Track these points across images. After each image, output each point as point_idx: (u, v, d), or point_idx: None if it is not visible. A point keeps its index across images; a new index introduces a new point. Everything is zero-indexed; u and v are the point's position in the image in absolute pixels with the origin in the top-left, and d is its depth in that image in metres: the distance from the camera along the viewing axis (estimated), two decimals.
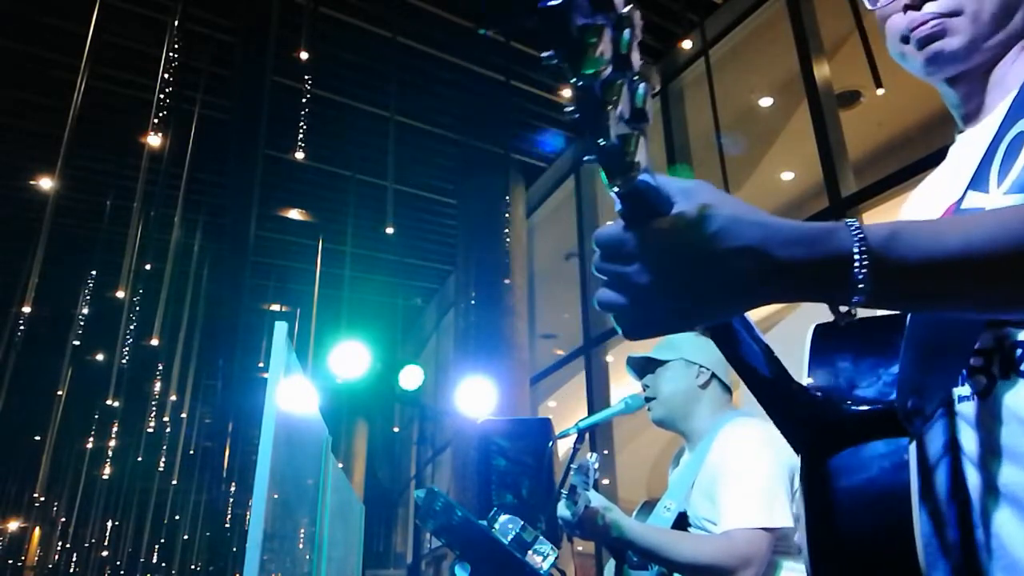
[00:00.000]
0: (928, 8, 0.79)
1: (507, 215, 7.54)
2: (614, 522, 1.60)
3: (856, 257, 0.53)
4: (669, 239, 0.54)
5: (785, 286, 0.55)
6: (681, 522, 1.77)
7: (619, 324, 0.59)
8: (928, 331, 0.65)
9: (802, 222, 0.55)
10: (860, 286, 0.53)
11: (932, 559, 0.61)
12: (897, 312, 0.69)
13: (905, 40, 0.82)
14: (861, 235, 0.53)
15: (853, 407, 0.63)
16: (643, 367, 1.96)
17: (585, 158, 0.52)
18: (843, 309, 0.57)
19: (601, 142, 0.48)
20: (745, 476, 1.64)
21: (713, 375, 1.89)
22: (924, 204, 0.86)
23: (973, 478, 0.65)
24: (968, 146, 0.80)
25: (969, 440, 0.66)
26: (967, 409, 0.67)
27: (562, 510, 1.63)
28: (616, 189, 0.52)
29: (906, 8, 0.81)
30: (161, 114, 5.93)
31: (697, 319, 0.58)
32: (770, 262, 0.53)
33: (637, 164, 0.50)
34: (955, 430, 0.68)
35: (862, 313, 0.84)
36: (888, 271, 0.53)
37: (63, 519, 18.57)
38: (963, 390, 0.68)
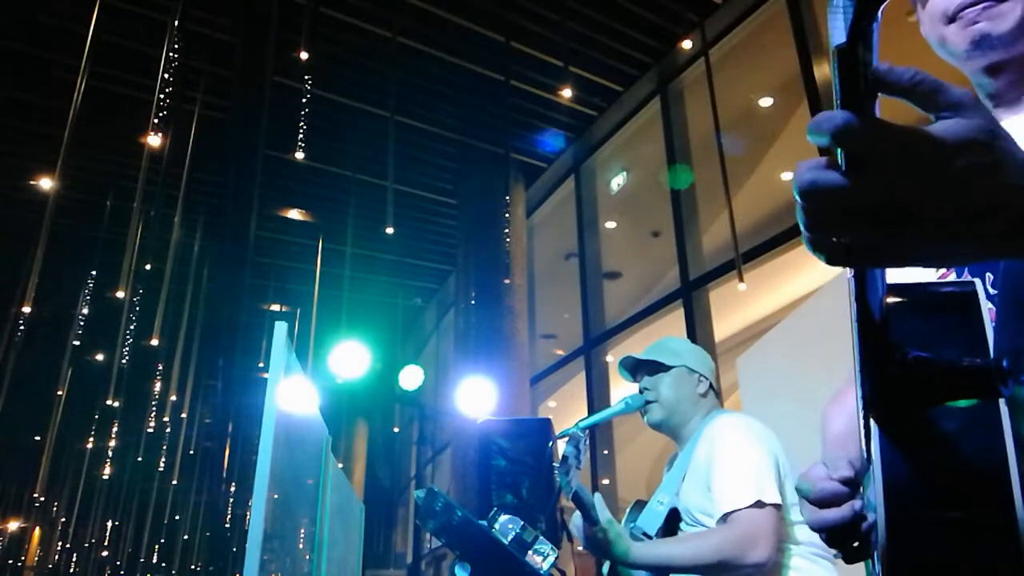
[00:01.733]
0: None
1: (507, 215, 7.54)
2: (618, 546, 1.63)
3: None
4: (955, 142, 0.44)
5: None
6: (674, 515, 1.80)
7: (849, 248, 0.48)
8: None
9: None
10: None
11: None
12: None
13: (951, 20, 0.81)
14: None
15: (940, 364, 0.59)
16: (637, 367, 1.97)
17: None
18: None
19: None
20: (734, 458, 1.67)
21: (710, 384, 1.92)
22: None
23: None
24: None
25: None
26: None
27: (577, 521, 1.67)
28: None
29: None
30: (161, 114, 5.93)
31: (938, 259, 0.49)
32: None
33: None
34: None
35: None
36: None
37: (63, 519, 18.56)
38: None
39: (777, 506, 1.61)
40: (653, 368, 1.92)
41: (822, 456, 0.83)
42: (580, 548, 1.84)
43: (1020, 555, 0.52)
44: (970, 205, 0.46)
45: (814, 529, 0.71)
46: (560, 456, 1.78)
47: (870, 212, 0.46)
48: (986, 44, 0.79)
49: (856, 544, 0.67)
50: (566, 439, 1.76)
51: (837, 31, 0.44)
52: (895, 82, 0.47)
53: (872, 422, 0.60)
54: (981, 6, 0.79)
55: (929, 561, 0.55)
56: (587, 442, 1.73)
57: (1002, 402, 0.57)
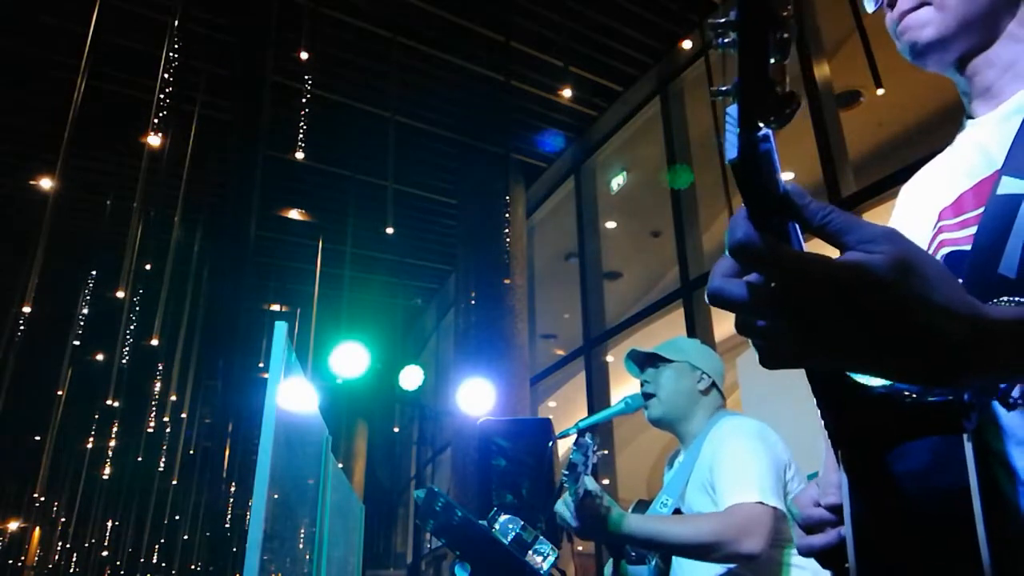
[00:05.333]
0: (900, 4, 0.80)
1: (507, 215, 7.53)
2: (612, 514, 1.61)
3: None
4: (870, 279, 0.44)
5: (992, 357, 0.47)
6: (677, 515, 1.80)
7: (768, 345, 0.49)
8: None
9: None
10: None
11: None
12: None
13: (898, 36, 0.83)
14: None
15: (902, 400, 0.59)
16: (643, 362, 1.97)
17: (718, 89, 0.43)
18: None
19: (775, 60, 0.40)
20: (739, 460, 1.67)
21: (713, 383, 1.91)
22: (929, 189, 0.84)
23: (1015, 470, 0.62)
24: (984, 129, 0.79)
25: (1017, 427, 0.64)
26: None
27: (564, 503, 1.64)
28: (773, 125, 0.44)
29: (888, 5, 0.82)
30: (161, 114, 5.92)
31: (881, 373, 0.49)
32: (983, 323, 0.47)
33: (797, 96, 0.42)
34: (1000, 419, 0.65)
35: None
36: None
37: (63, 519, 18.56)
38: None
39: (776, 509, 1.61)
40: (656, 362, 1.93)
41: (822, 466, 0.83)
42: (580, 548, 1.83)
43: None
44: (866, 340, 0.46)
45: (802, 554, 0.72)
46: (567, 461, 1.77)
47: (766, 328, 0.47)
48: (917, 52, 0.80)
49: (847, 565, 0.68)
50: (573, 443, 1.75)
51: (730, 146, 0.44)
52: (802, 217, 0.48)
53: (839, 462, 0.61)
54: (906, 20, 0.80)
55: None
56: (595, 449, 1.71)
57: (966, 436, 0.57)
